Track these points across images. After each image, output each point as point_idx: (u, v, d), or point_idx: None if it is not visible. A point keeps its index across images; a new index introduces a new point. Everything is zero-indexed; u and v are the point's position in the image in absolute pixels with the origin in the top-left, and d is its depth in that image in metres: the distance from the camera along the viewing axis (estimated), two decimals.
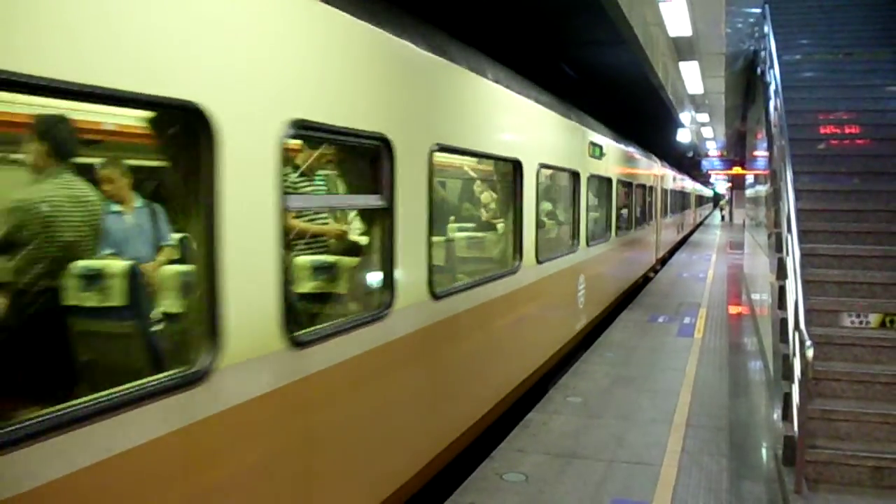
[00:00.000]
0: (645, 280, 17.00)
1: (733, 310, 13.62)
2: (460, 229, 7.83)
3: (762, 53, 11.15)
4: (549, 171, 8.54)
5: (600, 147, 11.03)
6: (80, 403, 2.46)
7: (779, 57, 9.42)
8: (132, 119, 3.85)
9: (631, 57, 12.24)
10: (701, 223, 49.89)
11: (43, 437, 2.30)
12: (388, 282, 4.51)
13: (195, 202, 2.99)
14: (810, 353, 5.05)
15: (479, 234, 7.91)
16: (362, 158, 4.49)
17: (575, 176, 9.45)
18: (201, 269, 3.01)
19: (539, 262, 7.74)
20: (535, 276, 7.60)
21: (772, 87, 9.11)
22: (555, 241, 9.21)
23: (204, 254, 3.00)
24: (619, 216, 13.05)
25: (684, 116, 24.13)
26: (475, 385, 6.13)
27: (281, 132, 3.40)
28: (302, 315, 3.94)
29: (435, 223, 5.16)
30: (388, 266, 4.50)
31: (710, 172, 40.82)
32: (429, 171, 4.95)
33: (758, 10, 11.89)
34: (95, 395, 2.55)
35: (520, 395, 7.22)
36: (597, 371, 8.80)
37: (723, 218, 54.91)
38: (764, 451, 6.37)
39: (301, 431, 3.63)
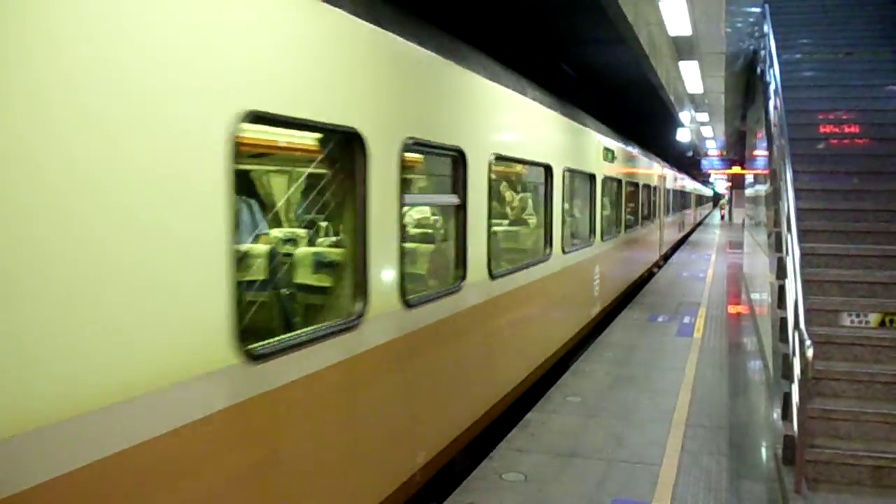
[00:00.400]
0: (649, 275, 17.83)
1: (733, 309, 13.62)
2: (505, 223, 8.89)
3: (762, 53, 11.14)
4: (571, 174, 9.44)
5: (612, 151, 12.18)
6: (297, 335, 3.64)
7: (779, 56, 9.41)
8: (310, 139, 4.51)
9: (630, 56, 12.25)
10: (701, 222, 49.96)
11: (281, 354, 3.40)
12: (461, 262, 5.70)
13: (351, 199, 4.13)
14: (810, 352, 5.05)
15: (518, 228, 8.91)
16: (447, 166, 5.71)
17: (591, 178, 10.55)
18: (355, 250, 4.17)
19: (565, 252, 8.91)
20: (561, 265, 8.78)
21: (771, 87, 9.10)
22: (575, 235, 10.23)
23: (358, 239, 4.15)
24: (626, 214, 14.06)
25: (684, 116, 24.11)
26: (524, 350, 7.58)
27: (401, 146, 4.53)
28: (409, 285, 4.86)
29: (491, 218, 6.32)
30: (461, 250, 5.69)
31: (709, 172, 40.83)
32: (488, 176, 6.12)
33: (758, 10, 11.88)
34: (301, 331, 3.71)
35: (549, 367, 8.54)
36: (596, 370, 8.80)
37: (722, 217, 54.92)
38: (763, 451, 6.37)
39: (414, 367, 4.93)
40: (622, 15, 9.67)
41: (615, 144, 12.54)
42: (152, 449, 2.66)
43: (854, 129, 9.07)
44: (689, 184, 36.04)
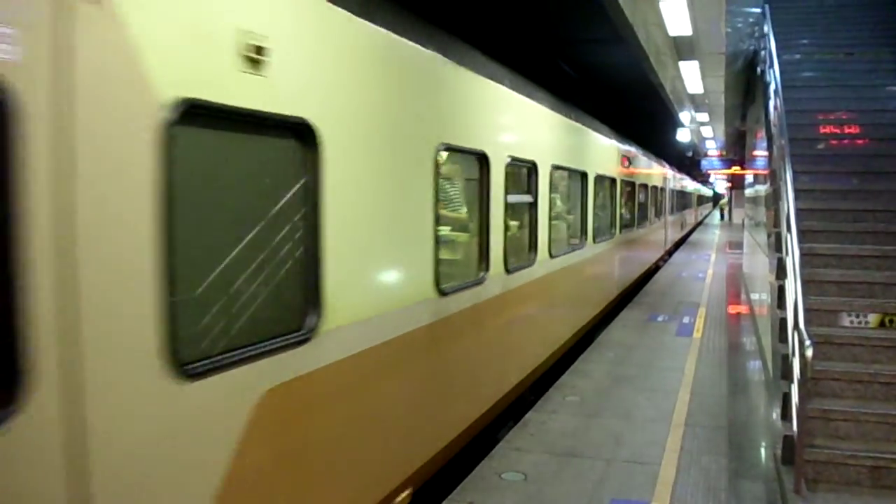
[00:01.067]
0: (655, 268, 19.73)
1: (732, 309, 13.62)
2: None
3: (762, 53, 11.14)
4: (600, 178, 11.39)
5: (629, 158, 14.36)
6: (459, 284, 5.63)
7: (779, 56, 9.41)
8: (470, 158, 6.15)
9: (630, 56, 12.25)
10: (701, 222, 50.06)
11: (454, 293, 5.45)
12: (533, 247, 7.76)
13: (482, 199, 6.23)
14: (809, 352, 5.05)
15: (564, 221, 10.15)
16: (524, 172, 7.58)
17: (613, 181, 12.48)
18: (481, 234, 6.23)
19: (595, 242, 11.02)
20: (591, 252, 10.88)
21: (771, 87, 9.10)
22: (601, 228, 11.85)
23: (483, 226, 6.24)
24: (639, 212, 16.12)
25: (684, 116, 24.12)
26: (581, 307, 10.41)
27: (505, 162, 6.62)
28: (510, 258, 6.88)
29: (546, 213, 8.11)
30: (534, 238, 7.78)
31: (709, 172, 40.85)
32: (549, 181, 8.14)
33: (758, 10, 11.87)
34: (461, 282, 5.67)
35: (591, 326, 11.09)
36: (596, 370, 8.80)
37: (722, 217, 54.93)
38: (763, 451, 6.37)
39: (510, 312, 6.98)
40: (622, 15, 9.67)
41: (631, 151, 14.67)
42: (400, 341, 4.64)
43: (854, 130, 9.06)
44: (690, 184, 37.30)
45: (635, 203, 15.33)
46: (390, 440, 4.63)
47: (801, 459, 5.14)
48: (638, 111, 20.46)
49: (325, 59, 3.80)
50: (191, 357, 2.90)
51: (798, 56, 10.98)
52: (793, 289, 5.98)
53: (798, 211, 6.84)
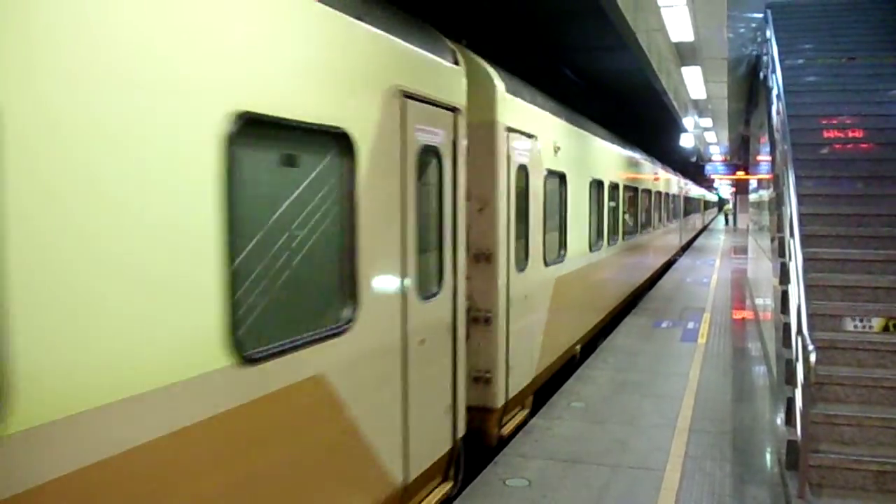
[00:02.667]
0: (674, 259, 24.11)
1: (737, 315, 13.60)
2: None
3: (764, 58, 11.16)
4: (644, 191, 16.39)
5: (667, 180, 20.73)
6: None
7: (781, 61, 9.43)
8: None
9: (634, 62, 12.28)
10: (706, 227, 50.06)
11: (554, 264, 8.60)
12: (610, 233, 12.07)
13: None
14: (813, 357, 5.05)
15: (632, 216, 15.11)
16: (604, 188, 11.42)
17: (647, 192, 17.02)
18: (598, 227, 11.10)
19: (640, 233, 15.95)
20: (640, 240, 16.11)
21: (774, 92, 9.11)
22: (644, 223, 16.63)
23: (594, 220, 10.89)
24: (664, 214, 21.01)
25: (687, 121, 24.13)
26: (636, 271, 15.60)
27: (589, 182, 10.38)
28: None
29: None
30: (608, 228, 11.83)
31: (713, 177, 40.81)
32: (609, 193, 11.78)
33: (760, 15, 11.90)
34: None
35: (642, 290, 16.36)
36: (600, 376, 8.80)
37: (727, 222, 54.84)
38: (767, 456, 6.36)
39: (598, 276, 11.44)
40: (624, 21, 9.71)
41: (661, 169, 20.33)
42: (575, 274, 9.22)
43: (857, 134, 9.06)
44: (697, 190, 39.89)
45: (661, 208, 20.44)
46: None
47: (805, 464, 5.14)
48: (642, 117, 20.48)
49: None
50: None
51: (800, 61, 10.99)
52: (796, 293, 5.98)
53: (801, 215, 6.84)
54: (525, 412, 7.30)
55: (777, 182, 8.60)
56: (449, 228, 5.22)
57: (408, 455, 4.60)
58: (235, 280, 3.01)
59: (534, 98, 7.54)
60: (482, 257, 6.29)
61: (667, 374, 8.97)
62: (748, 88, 16.61)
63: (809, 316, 5.66)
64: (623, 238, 13.23)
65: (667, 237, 21.77)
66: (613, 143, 12.25)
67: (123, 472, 2.49)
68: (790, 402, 5.90)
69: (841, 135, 9.08)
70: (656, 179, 18.75)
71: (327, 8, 3.69)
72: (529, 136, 7.20)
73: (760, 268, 11.72)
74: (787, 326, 6.58)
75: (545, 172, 7.78)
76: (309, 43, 3.56)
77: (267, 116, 3.19)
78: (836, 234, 7.47)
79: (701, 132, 29.88)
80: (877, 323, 6.44)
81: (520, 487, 5.51)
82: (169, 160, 2.66)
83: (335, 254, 3.90)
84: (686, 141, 27.50)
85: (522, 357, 7.08)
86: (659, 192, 19.39)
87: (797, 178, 7.28)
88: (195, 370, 2.79)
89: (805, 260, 6.34)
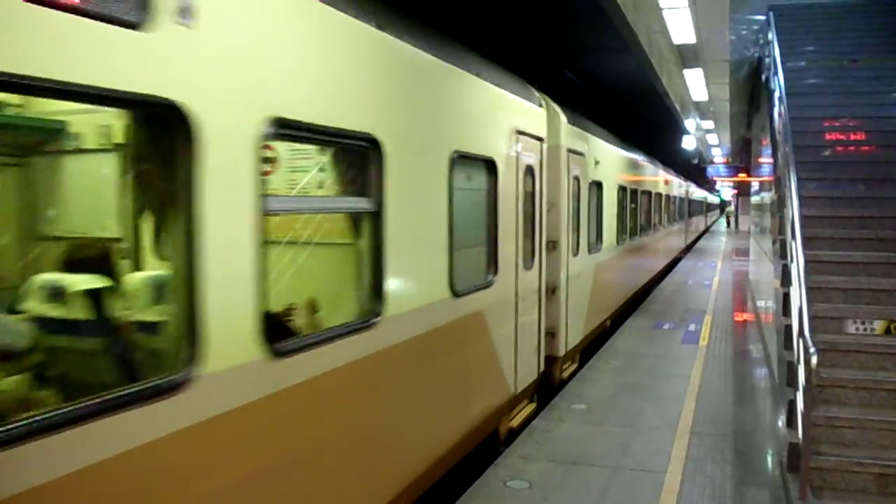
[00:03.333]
0: (675, 261, 25.69)
1: (738, 317, 13.59)
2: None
3: (766, 60, 11.15)
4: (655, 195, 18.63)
5: (666, 181, 21.54)
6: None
7: (783, 63, 9.42)
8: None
9: (635, 64, 12.28)
10: (708, 229, 50.08)
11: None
12: (634, 228, 14.99)
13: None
14: (814, 359, 5.05)
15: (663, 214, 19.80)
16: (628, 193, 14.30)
17: (658, 195, 19.14)
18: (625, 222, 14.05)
19: (663, 227, 20.07)
20: (654, 237, 18.22)
21: (776, 94, 9.10)
22: (668, 220, 21.34)
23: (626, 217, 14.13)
24: (675, 214, 24.40)
25: (689, 123, 24.12)
26: (659, 256, 20.06)
27: (618, 188, 12.97)
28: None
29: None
30: (631, 224, 14.37)
31: (715, 179, 40.82)
32: (630, 197, 13.75)
33: (762, 18, 11.89)
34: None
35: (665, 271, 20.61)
36: (601, 378, 8.80)
37: (728, 224, 54.82)
38: (769, 458, 6.36)
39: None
40: (626, 23, 9.71)
41: (680, 179, 25.71)
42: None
43: (859, 137, 9.04)
44: (699, 193, 41.53)
45: (674, 209, 23.94)
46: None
47: (806, 467, 5.13)
48: (643, 118, 20.49)
49: None
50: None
51: (802, 63, 10.97)
52: (798, 295, 5.98)
53: (803, 218, 6.84)
54: (574, 366, 9.51)
55: (778, 184, 8.60)
56: (538, 222, 7.69)
57: (517, 374, 6.98)
58: (451, 254, 5.27)
59: (583, 124, 9.95)
60: (551, 244, 8.44)
61: (668, 376, 8.96)
62: (750, 90, 16.60)
63: (811, 318, 5.65)
64: (640, 235, 15.69)
65: (670, 238, 23.76)
66: (633, 153, 14.82)
67: (426, 341, 5.00)
68: (791, 405, 5.89)
69: (843, 137, 9.06)
70: (666, 183, 21.43)
71: (495, 87, 6.37)
72: (580, 154, 9.59)
73: (762, 270, 11.71)
74: (788, 329, 6.58)
75: (590, 181, 10.21)
76: (495, 110, 6.41)
77: (468, 154, 5.65)
78: (838, 237, 7.45)
79: (703, 134, 29.85)
80: (878, 325, 6.42)
81: (520, 489, 5.51)
82: (434, 187, 5.05)
83: (488, 238, 6.29)
84: (688, 143, 27.48)
85: (575, 321, 9.44)
86: (667, 196, 21.90)
87: (799, 180, 7.28)
88: (439, 298, 5.19)
89: (806, 262, 6.33)
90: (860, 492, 5.28)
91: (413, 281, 4.78)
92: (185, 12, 2.73)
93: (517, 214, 6.86)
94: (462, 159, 5.46)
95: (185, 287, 2.81)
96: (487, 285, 6.12)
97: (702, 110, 22.53)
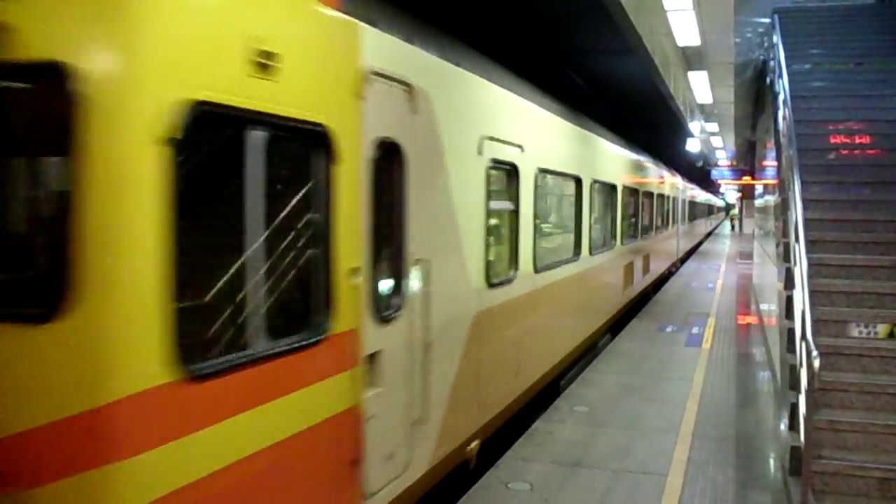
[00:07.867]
0: (696, 247, 30.94)
1: (742, 320, 13.56)
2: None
3: (771, 63, 11.13)
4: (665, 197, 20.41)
5: (677, 186, 23.27)
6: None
7: (788, 66, 9.40)
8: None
9: (639, 65, 12.26)
10: (712, 231, 50.16)
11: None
12: (651, 225, 17.79)
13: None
14: (817, 363, 5.03)
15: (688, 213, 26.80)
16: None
17: (667, 198, 20.34)
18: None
19: (685, 223, 26.20)
20: (681, 230, 24.30)
21: (780, 97, 9.09)
22: (691, 217, 28.83)
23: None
24: (679, 217, 25.08)
25: (694, 126, 24.09)
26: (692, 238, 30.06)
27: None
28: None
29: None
30: (644, 223, 16.59)
31: (719, 182, 40.80)
32: (643, 199, 15.52)
33: (767, 20, 11.87)
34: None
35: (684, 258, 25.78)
36: (604, 380, 8.78)
37: (732, 227, 54.78)
38: (771, 462, 6.34)
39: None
40: (631, 25, 9.69)
41: (695, 187, 28.80)
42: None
43: (864, 140, 9.01)
44: (703, 195, 43.33)
45: (692, 211, 28.24)
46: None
47: (808, 471, 5.12)
48: (648, 120, 20.45)
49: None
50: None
51: (807, 66, 10.94)
52: (801, 299, 5.96)
53: (807, 221, 6.82)
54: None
55: (783, 187, 8.57)
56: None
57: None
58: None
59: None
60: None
61: (670, 378, 8.94)
62: (755, 93, 16.58)
63: (814, 321, 5.64)
64: (655, 232, 17.32)
65: (670, 241, 24.35)
66: (652, 162, 16.67)
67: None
68: (794, 408, 5.87)
69: (847, 140, 9.04)
70: (674, 187, 22.75)
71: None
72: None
73: (765, 273, 11.68)
74: (791, 332, 6.56)
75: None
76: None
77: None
78: (842, 240, 7.43)
79: (707, 137, 29.83)
80: (882, 329, 6.40)
81: (521, 491, 5.50)
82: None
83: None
84: (692, 145, 27.45)
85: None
86: (675, 198, 23.11)
87: (803, 183, 7.27)
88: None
89: (810, 265, 6.31)
90: (862, 496, 5.26)
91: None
92: None
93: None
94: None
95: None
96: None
97: (706, 113, 22.51)
